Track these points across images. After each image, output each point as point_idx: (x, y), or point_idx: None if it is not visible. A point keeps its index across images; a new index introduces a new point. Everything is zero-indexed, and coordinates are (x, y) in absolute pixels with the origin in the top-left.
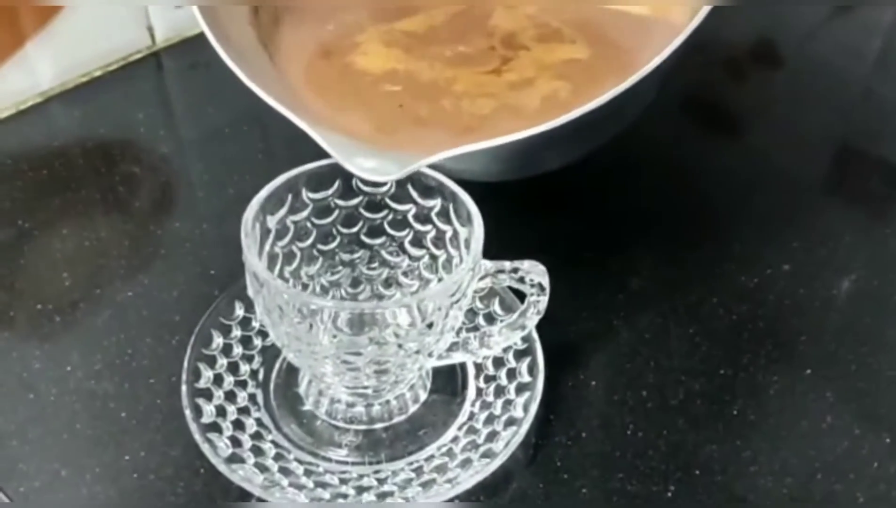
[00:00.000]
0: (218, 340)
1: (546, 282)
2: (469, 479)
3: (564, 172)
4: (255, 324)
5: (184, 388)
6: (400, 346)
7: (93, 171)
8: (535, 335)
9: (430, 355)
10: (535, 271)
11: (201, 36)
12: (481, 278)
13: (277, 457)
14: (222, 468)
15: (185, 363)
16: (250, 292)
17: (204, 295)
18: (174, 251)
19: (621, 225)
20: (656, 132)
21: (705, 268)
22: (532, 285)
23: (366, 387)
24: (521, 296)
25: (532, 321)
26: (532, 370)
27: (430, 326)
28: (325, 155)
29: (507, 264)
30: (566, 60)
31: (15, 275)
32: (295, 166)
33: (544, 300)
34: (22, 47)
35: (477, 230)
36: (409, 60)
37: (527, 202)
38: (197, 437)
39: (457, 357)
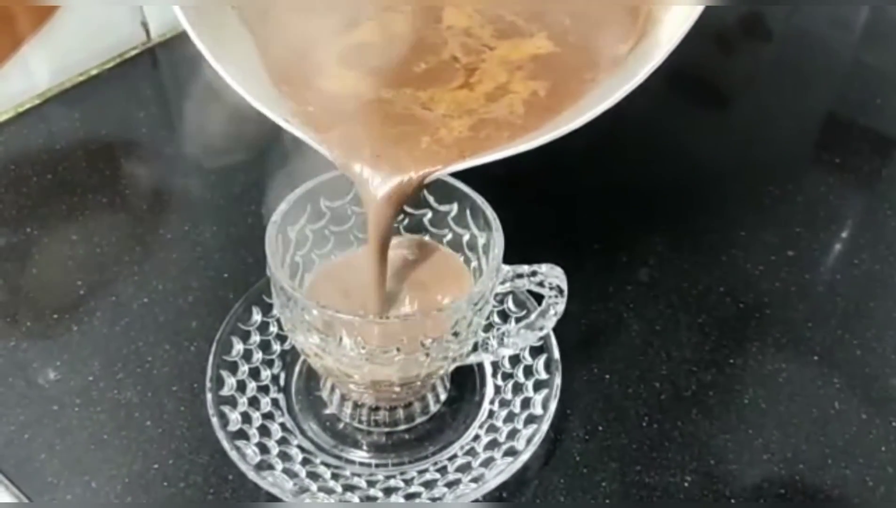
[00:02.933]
0: (238, 346)
1: (565, 285)
2: (494, 478)
3: (563, 159)
4: (273, 328)
5: (209, 396)
6: (427, 355)
7: (97, 173)
8: (551, 332)
9: (454, 359)
10: (553, 275)
11: None
12: (501, 283)
13: (305, 462)
14: (252, 475)
15: (209, 371)
16: (276, 305)
17: (219, 299)
18: (186, 255)
19: (625, 212)
20: (647, 110)
21: (711, 256)
22: (551, 289)
23: (391, 392)
24: (534, 293)
25: (550, 322)
26: (549, 366)
27: (455, 334)
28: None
29: (526, 268)
30: (532, 56)
31: (29, 284)
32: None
33: (562, 303)
34: (19, 49)
35: (496, 238)
36: (376, 85)
37: (530, 195)
38: (225, 445)
39: (476, 358)
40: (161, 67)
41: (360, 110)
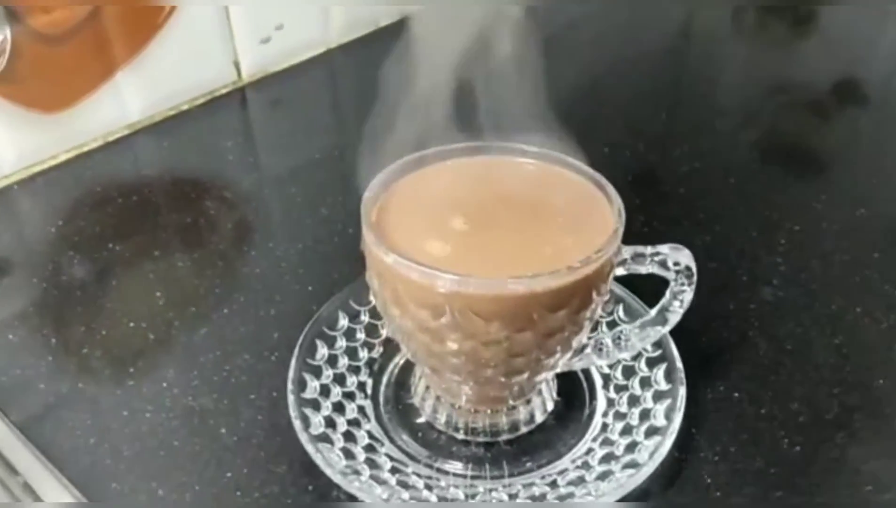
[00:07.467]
0: (322, 350)
1: (693, 266)
2: (613, 491)
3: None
4: (361, 335)
5: (290, 398)
6: (536, 332)
7: (183, 197)
8: (670, 339)
9: (565, 350)
10: (678, 255)
11: (285, 72)
12: (620, 264)
13: (394, 471)
14: (338, 479)
15: (291, 373)
16: (371, 281)
17: (303, 311)
18: (270, 271)
19: (743, 234)
20: (745, 174)
21: (841, 277)
22: (678, 271)
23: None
24: (649, 303)
25: (676, 314)
26: (670, 376)
27: (570, 310)
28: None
29: (648, 249)
30: None
31: (107, 295)
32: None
33: (690, 290)
34: (112, 77)
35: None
36: None
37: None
38: (308, 448)
39: (587, 362)
40: (250, 107)
41: None
